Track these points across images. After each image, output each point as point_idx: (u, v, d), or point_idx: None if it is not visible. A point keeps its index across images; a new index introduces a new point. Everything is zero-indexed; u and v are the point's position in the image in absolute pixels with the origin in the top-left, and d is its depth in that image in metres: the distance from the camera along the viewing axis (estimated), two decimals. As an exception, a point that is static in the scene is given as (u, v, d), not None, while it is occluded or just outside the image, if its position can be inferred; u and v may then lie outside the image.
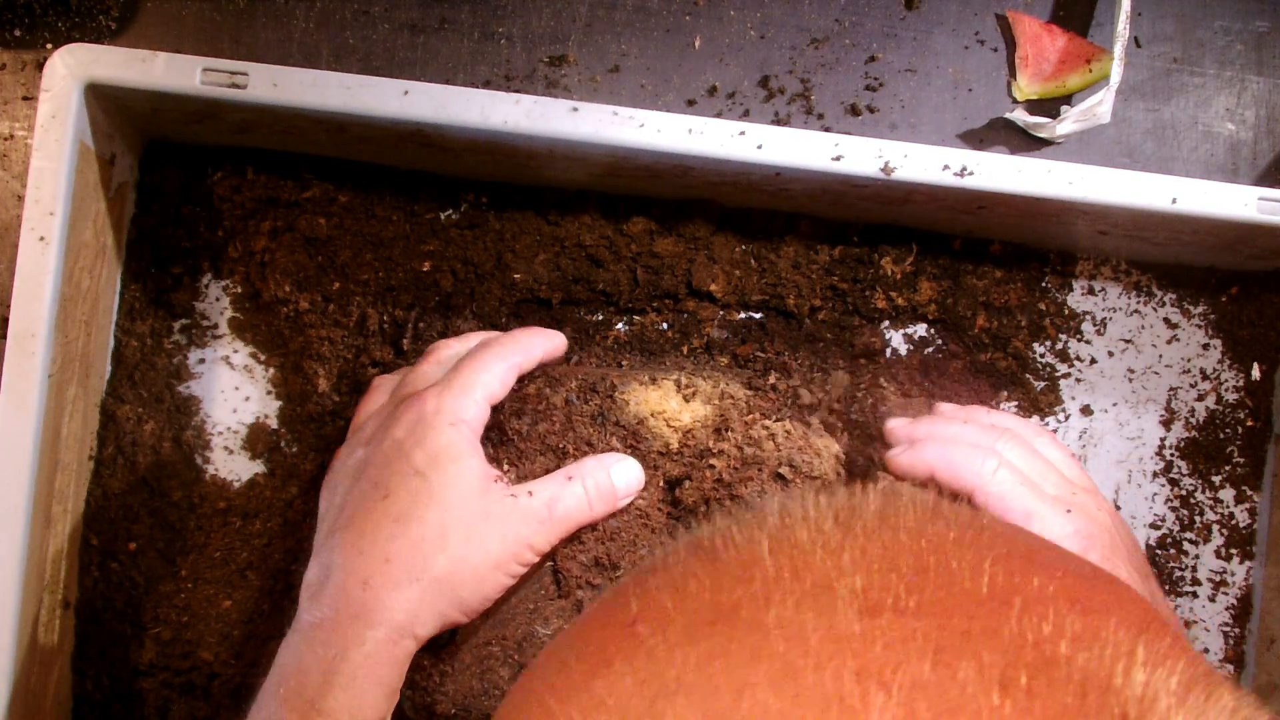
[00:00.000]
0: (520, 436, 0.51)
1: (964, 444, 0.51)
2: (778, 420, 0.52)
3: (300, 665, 0.43)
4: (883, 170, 0.51)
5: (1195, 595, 0.62)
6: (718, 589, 0.24)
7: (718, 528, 0.27)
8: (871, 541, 0.25)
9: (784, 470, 0.50)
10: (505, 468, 0.51)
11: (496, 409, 0.52)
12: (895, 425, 0.54)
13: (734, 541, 0.26)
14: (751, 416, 0.52)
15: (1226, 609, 0.63)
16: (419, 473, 0.45)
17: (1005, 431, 0.52)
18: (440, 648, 0.50)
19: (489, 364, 0.49)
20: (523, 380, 0.54)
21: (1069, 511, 0.48)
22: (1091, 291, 0.63)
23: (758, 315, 0.60)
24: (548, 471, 0.50)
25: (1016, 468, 0.50)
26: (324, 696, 0.42)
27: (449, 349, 0.52)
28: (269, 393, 0.58)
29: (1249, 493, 0.63)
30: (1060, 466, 0.52)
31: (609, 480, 0.49)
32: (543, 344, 0.52)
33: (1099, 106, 0.58)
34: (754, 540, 0.26)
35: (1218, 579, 0.63)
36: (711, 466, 0.50)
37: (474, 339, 0.53)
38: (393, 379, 0.54)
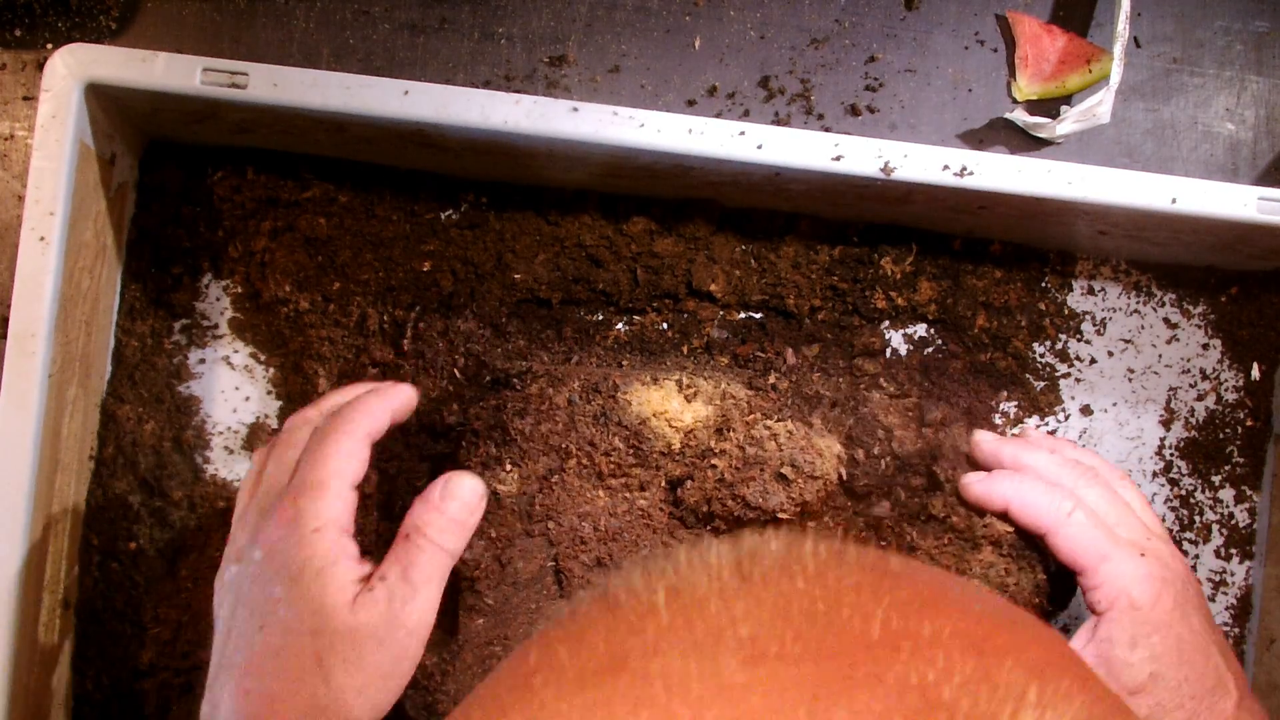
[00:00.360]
0: (523, 436, 0.51)
1: (1043, 482, 0.51)
2: (779, 420, 0.52)
3: None
4: (883, 170, 0.51)
5: (1195, 595, 0.62)
6: (612, 639, 0.24)
7: (623, 577, 0.27)
8: (768, 589, 0.25)
9: (786, 470, 0.50)
10: (508, 467, 0.51)
11: (500, 408, 0.52)
12: (982, 439, 0.54)
13: (635, 591, 0.26)
14: (753, 416, 0.52)
15: (1226, 609, 0.63)
16: (285, 600, 0.42)
17: (1087, 470, 0.52)
18: (441, 648, 0.50)
19: (339, 447, 0.46)
20: (524, 380, 0.54)
21: (1142, 555, 0.48)
22: (1091, 291, 0.63)
23: (758, 315, 0.60)
24: (550, 471, 0.50)
25: (1093, 510, 0.50)
26: None
27: (303, 427, 0.48)
28: (269, 393, 0.58)
29: (1249, 493, 0.63)
30: (1139, 512, 0.52)
31: (444, 517, 0.46)
32: (388, 405, 0.49)
33: (1099, 106, 0.58)
34: (653, 589, 0.25)
35: (1217, 579, 0.63)
36: (714, 466, 0.50)
37: (329, 401, 0.50)
38: (264, 455, 0.49)
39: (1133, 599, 0.47)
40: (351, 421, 0.47)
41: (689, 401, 0.52)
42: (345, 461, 0.45)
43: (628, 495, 0.51)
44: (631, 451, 0.50)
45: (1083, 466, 0.52)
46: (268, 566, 0.43)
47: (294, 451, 0.47)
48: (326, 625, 0.42)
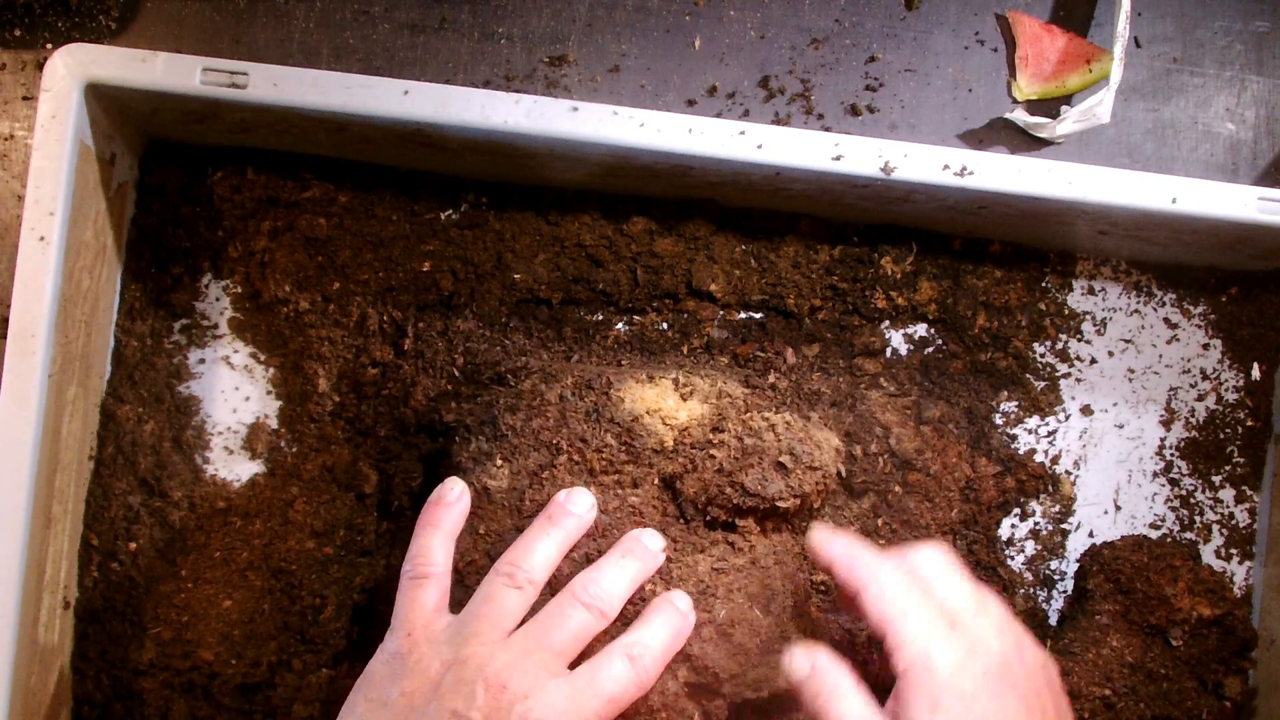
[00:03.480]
0: (514, 432, 0.51)
1: (867, 549, 0.49)
2: (778, 413, 0.52)
3: None
4: (883, 170, 0.51)
5: (1195, 595, 0.62)
6: None
7: None
8: None
9: (785, 459, 0.50)
10: (499, 463, 0.51)
11: (492, 404, 0.52)
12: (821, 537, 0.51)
13: None
14: (750, 414, 0.52)
15: (1226, 609, 0.63)
16: None
17: (934, 553, 0.50)
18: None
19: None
20: (518, 377, 0.54)
21: (952, 626, 0.45)
22: (1091, 291, 0.63)
23: (758, 315, 0.60)
24: (541, 467, 0.50)
25: (920, 576, 0.47)
26: None
27: (535, 570, 0.48)
28: (269, 393, 0.58)
29: (1249, 493, 0.63)
30: (973, 598, 0.48)
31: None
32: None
33: (1099, 106, 0.58)
34: None
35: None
36: (712, 456, 0.50)
37: (559, 535, 0.49)
38: (441, 547, 0.49)
39: (931, 662, 0.44)
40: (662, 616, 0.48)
41: (684, 400, 0.52)
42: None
43: (619, 492, 0.51)
44: (623, 448, 0.50)
45: (924, 543, 0.50)
46: None
47: (522, 599, 0.47)
48: None
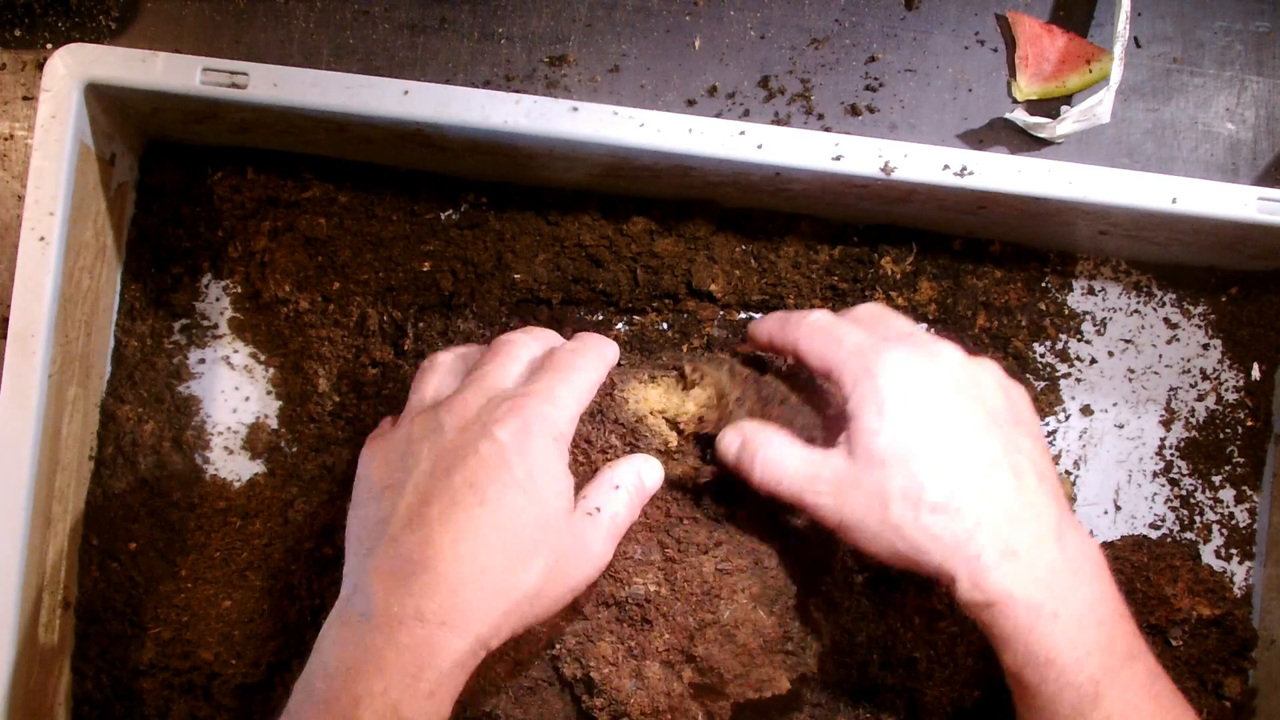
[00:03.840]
0: None
1: (799, 312, 0.49)
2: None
3: (378, 663, 0.40)
4: (883, 170, 0.51)
5: (1195, 595, 0.62)
6: None
7: None
8: None
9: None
10: None
11: None
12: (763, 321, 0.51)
13: None
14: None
15: (1226, 609, 0.63)
16: (519, 485, 0.42)
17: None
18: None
19: (582, 376, 0.46)
20: None
21: (885, 339, 0.45)
22: (1091, 291, 0.63)
23: (758, 315, 0.60)
24: None
25: (856, 319, 0.47)
26: (407, 703, 0.40)
27: (524, 347, 0.48)
28: (269, 393, 0.58)
29: (1249, 493, 0.63)
30: (917, 327, 0.48)
31: (642, 483, 0.48)
32: (614, 354, 0.50)
33: (1099, 106, 0.58)
34: None
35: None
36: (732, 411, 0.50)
37: (542, 337, 0.50)
38: (452, 359, 0.49)
39: (873, 370, 0.44)
40: (590, 360, 0.47)
41: (688, 390, 0.52)
42: (585, 393, 0.46)
43: None
44: (628, 449, 0.50)
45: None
46: (508, 449, 0.42)
47: (517, 365, 0.47)
48: (552, 523, 0.43)
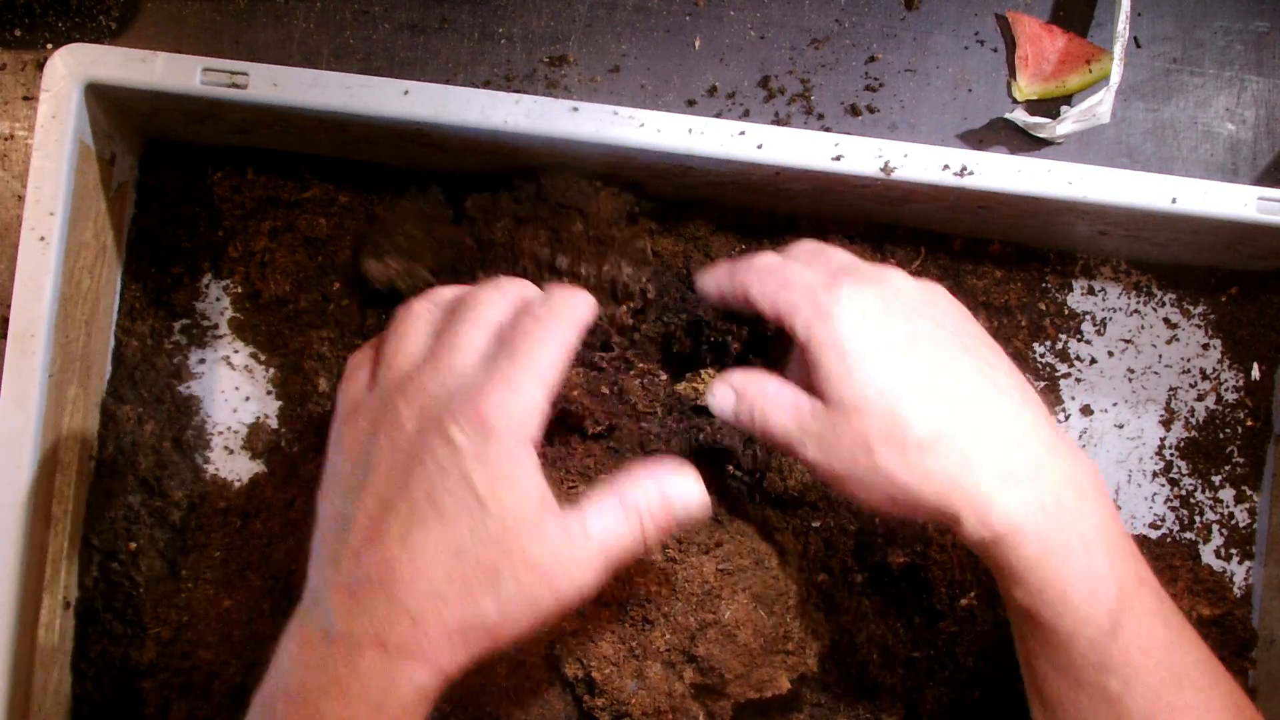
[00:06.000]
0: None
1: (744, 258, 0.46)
2: None
3: (341, 689, 0.39)
4: (883, 170, 0.51)
5: (1195, 595, 0.62)
6: None
7: None
8: None
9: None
10: None
11: None
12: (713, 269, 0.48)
13: None
14: None
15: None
16: (480, 500, 0.39)
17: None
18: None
19: (548, 353, 0.41)
20: None
21: (833, 274, 0.42)
22: (1091, 291, 0.63)
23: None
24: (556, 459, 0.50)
25: (798, 256, 0.45)
26: None
27: (490, 308, 0.43)
28: (269, 393, 0.58)
29: (1249, 493, 0.63)
30: (858, 259, 0.46)
31: (669, 507, 0.42)
32: (586, 313, 0.44)
33: (1099, 106, 0.58)
34: None
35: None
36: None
37: (510, 292, 0.44)
38: (429, 312, 0.45)
39: (824, 312, 0.41)
40: (558, 330, 0.42)
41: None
42: (554, 372, 0.41)
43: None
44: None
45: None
46: (465, 457, 0.39)
47: (481, 334, 0.42)
48: (518, 543, 0.39)
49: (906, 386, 0.40)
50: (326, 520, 0.42)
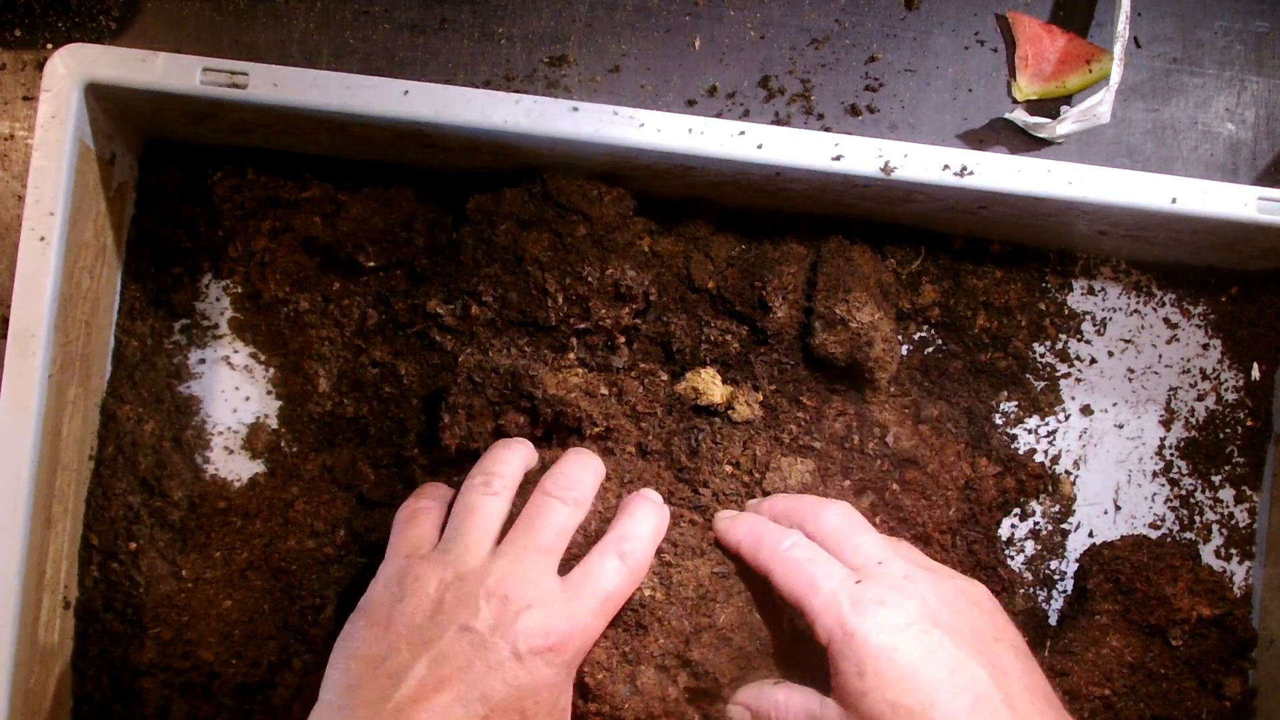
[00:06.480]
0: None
1: (774, 517, 0.50)
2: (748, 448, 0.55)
3: None
4: (883, 170, 0.51)
5: (1195, 595, 0.62)
6: None
7: None
8: None
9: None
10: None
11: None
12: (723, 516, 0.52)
13: None
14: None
15: (1226, 609, 0.63)
16: (521, 712, 0.43)
17: (828, 501, 0.51)
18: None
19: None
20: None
21: (859, 582, 0.45)
22: (1091, 291, 0.63)
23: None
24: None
25: (825, 535, 0.48)
26: None
27: (489, 513, 0.48)
28: (269, 393, 0.58)
29: (1249, 493, 0.63)
30: (880, 548, 0.48)
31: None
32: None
33: (1099, 106, 0.58)
34: None
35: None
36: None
37: (508, 475, 0.49)
38: (429, 506, 0.50)
39: (847, 627, 0.44)
40: (563, 517, 0.48)
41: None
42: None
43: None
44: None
45: (825, 500, 0.51)
46: (497, 668, 0.43)
47: (486, 536, 0.47)
48: None
49: (920, 700, 0.42)
50: (371, 653, 0.44)
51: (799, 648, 0.49)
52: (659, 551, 0.49)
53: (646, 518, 0.48)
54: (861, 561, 0.47)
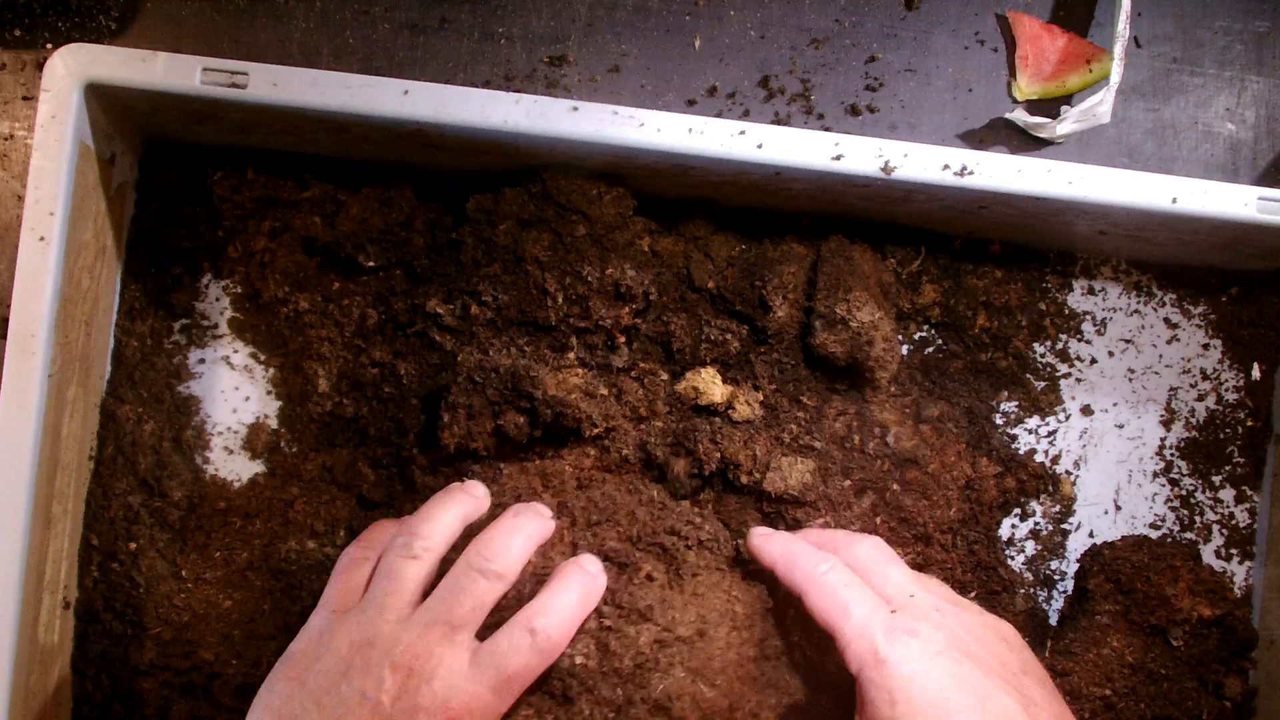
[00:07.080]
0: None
1: (811, 542, 0.50)
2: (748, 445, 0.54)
3: None
4: (883, 170, 0.51)
5: (1195, 595, 0.62)
6: None
7: None
8: None
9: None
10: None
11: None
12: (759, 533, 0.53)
13: None
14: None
15: (1227, 609, 0.63)
16: None
17: (865, 535, 0.51)
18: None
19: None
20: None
21: (894, 612, 0.45)
22: (1091, 291, 0.63)
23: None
24: None
25: (859, 564, 0.48)
26: None
27: (409, 577, 0.47)
28: (269, 393, 0.58)
29: (1249, 493, 0.63)
30: (911, 582, 0.49)
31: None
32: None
33: (1099, 106, 0.58)
34: None
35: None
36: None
37: (435, 536, 0.48)
38: (372, 548, 0.50)
39: (879, 654, 0.44)
40: (488, 588, 0.47)
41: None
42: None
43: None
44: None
45: (858, 534, 0.51)
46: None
47: (406, 595, 0.47)
48: None
49: None
50: (284, 710, 0.45)
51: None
52: (599, 614, 0.47)
53: (571, 590, 0.46)
54: (893, 593, 0.47)
